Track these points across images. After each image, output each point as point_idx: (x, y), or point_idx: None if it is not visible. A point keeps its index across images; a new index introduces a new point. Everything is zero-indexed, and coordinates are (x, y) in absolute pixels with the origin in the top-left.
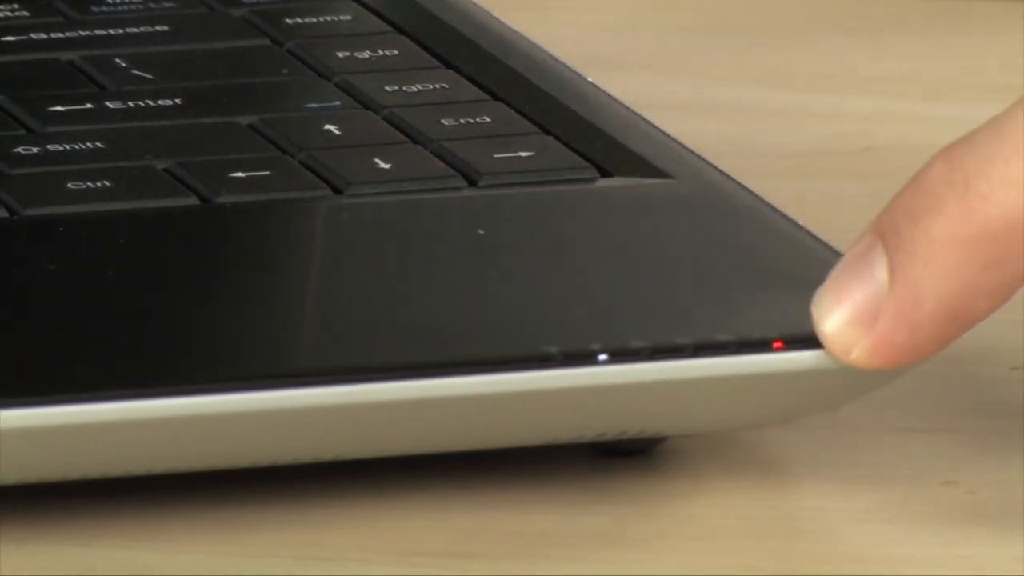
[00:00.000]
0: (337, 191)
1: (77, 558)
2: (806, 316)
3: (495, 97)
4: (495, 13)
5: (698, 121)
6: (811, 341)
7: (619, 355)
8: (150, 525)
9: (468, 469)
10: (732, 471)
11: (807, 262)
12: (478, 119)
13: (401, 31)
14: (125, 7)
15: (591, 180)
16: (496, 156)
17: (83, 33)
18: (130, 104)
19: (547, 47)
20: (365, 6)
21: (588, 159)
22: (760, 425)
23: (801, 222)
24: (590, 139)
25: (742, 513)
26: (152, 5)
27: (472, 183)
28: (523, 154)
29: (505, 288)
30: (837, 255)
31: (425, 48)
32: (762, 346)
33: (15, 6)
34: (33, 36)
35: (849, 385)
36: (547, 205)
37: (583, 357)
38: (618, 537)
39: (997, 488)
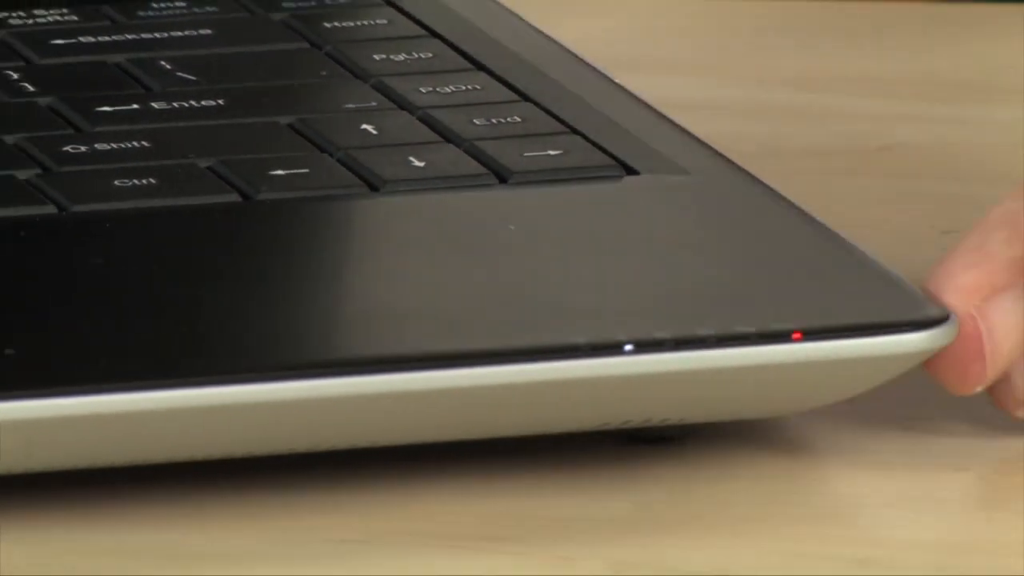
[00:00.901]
0: (373, 188)
1: (113, 544)
2: (823, 308)
3: (525, 98)
4: (525, 17)
5: (721, 120)
6: (828, 332)
7: (644, 346)
8: (183, 510)
9: (497, 456)
10: (754, 458)
11: (825, 256)
12: (509, 119)
13: (435, 35)
14: (170, 12)
15: (617, 178)
16: (526, 154)
17: (129, 37)
18: (174, 105)
19: (575, 49)
20: (401, 10)
21: (614, 157)
22: (779, 414)
23: (820, 218)
24: (616, 138)
25: (765, 499)
26: (196, 10)
27: (503, 180)
28: (552, 153)
29: (534, 281)
30: (853, 249)
31: (458, 51)
32: (782, 337)
33: (65, 11)
34: (82, 40)
35: (867, 374)
36: (574, 202)
37: (610, 348)
38: (644, 522)
39: (1009, 475)
